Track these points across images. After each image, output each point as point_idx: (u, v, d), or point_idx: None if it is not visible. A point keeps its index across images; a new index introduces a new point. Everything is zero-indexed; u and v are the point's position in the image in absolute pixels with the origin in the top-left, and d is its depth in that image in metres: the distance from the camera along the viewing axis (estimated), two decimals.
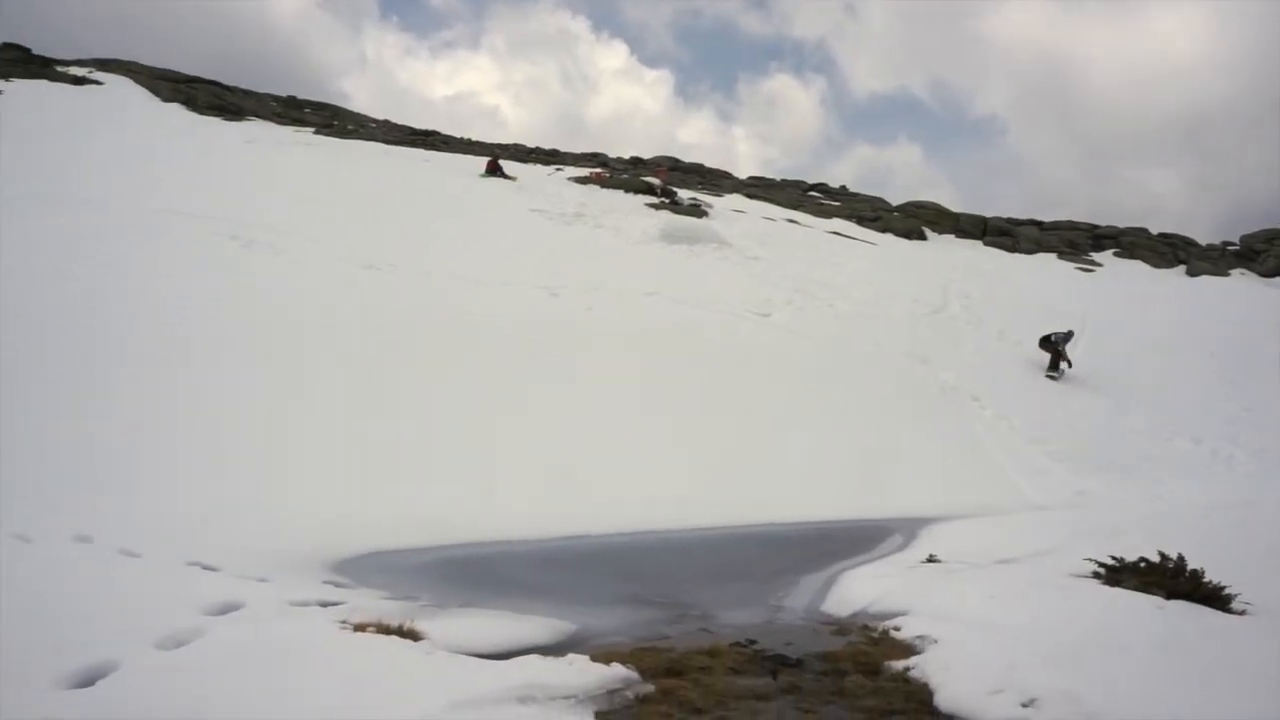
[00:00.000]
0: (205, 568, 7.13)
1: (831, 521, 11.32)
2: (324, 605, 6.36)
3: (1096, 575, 7.45)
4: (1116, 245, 44.29)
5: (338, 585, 7.30)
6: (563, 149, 57.17)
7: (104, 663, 4.75)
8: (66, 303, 13.12)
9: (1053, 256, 41.18)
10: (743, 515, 11.07)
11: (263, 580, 6.94)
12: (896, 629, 6.48)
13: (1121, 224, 47.10)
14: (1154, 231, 46.35)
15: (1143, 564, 7.19)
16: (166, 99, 44.43)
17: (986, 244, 42.59)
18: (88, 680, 4.58)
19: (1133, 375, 21.46)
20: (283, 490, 9.70)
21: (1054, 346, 20.95)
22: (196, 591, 6.31)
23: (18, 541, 7.04)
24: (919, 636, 6.18)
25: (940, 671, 5.36)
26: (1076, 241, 44.11)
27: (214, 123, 40.46)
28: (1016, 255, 40.91)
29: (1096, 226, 46.62)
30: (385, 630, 5.55)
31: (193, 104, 44.76)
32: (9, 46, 46.74)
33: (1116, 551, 7.62)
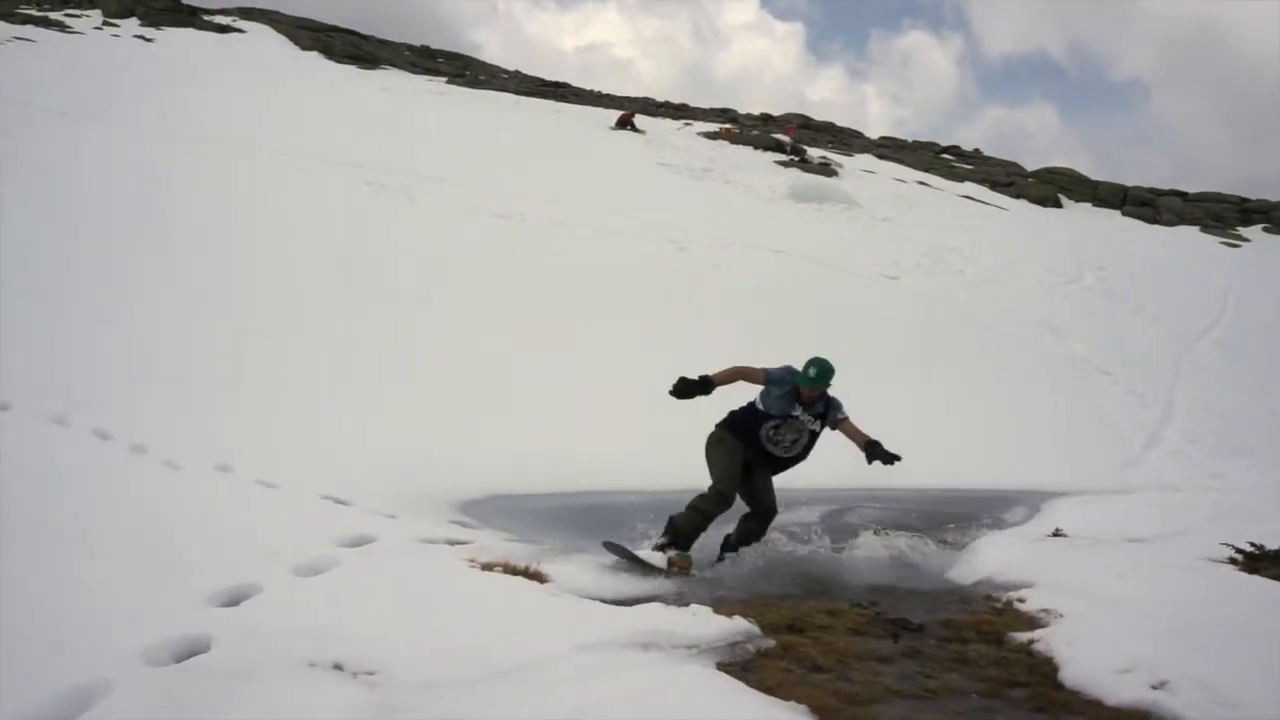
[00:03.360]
0: (338, 502, 7.39)
1: (952, 489, 11.13)
2: (451, 544, 6.53)
3: (1233, 561, 7.19)
4: (1267, 220, 42.00)
5: (464, 525, 7.50)
6: (691, 104, 56.82)
7: (248, 584, 4.99)
8: (219, 253, 13.63)
9: (1195, 230, 39.32)
10: (860, 477, 10.94)
11: (392, 517, 7.17)
12: (1021, 600, 6.35)
13: (1274, 197, 44.78)
14: None
15: None
16: (305, 47, 45.58)
17: (1125, 214, 41.00)
18: (233, 600, 4.82)
19: (1278, 357, 20.46)
20: (408, 432, 9.96)
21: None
22: (330, 524, 6.57)
23: (166, 468, 7.42)
24: (1044, 610, 6.04)
25: (1066, 646, 5.24)
26: (1223, 215, 41.99)
27: (350, 71, 41.34)
28: (1156, 227, 39.30)
29: (1246, 200, 44.29)
30: (512, 571, 5.68)
31: (330, 52, 45.81)
32: None
33: (1255, 538, 7.34)
